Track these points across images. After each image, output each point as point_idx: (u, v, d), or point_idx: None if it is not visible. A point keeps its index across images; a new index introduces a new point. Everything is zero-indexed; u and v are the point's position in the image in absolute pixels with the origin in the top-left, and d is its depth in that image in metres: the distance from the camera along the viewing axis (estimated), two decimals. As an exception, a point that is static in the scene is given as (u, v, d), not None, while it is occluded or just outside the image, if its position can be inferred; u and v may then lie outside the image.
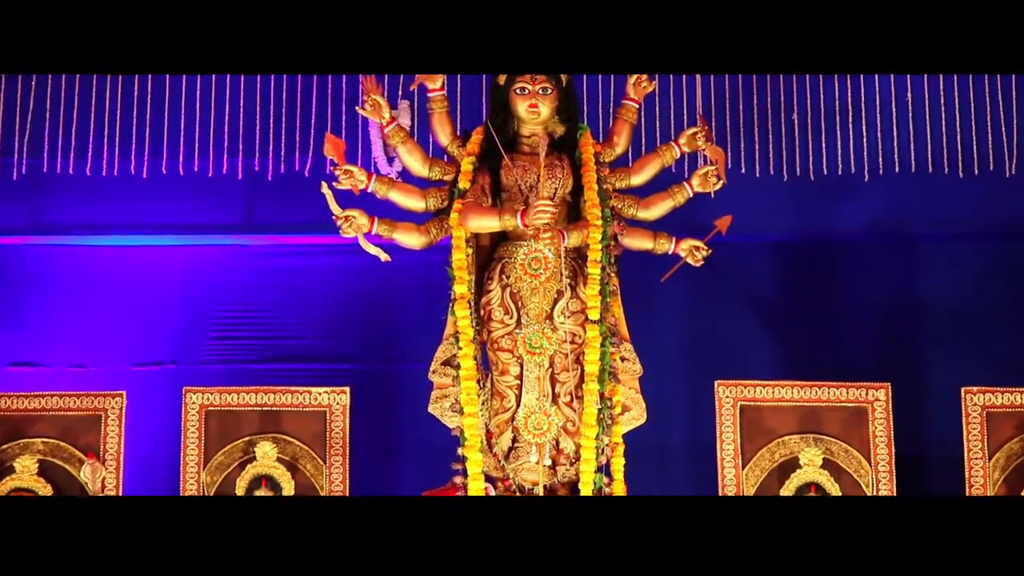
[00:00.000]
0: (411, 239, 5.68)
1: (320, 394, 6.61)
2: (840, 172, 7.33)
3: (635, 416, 5.72)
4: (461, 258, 5.55)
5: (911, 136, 7.32)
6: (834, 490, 6.37)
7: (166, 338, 7.49)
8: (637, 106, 5.87)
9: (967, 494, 6.34)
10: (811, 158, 7.33)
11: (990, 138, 7.28)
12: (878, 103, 7.35)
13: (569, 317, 5.60)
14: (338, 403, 6.59)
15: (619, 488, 5.58)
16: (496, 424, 5.62)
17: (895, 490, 6.39)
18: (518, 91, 5.67)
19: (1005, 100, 7.29)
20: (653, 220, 5.81)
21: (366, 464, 6.78)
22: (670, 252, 5.78)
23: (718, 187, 5.79)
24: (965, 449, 6.46)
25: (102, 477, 6.44)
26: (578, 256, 5.64)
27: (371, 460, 6.99)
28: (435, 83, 5.72)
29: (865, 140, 7.34)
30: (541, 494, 5.52)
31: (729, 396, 6.52)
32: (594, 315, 5.50)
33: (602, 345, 5.51)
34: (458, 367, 5.54)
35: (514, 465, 5.60)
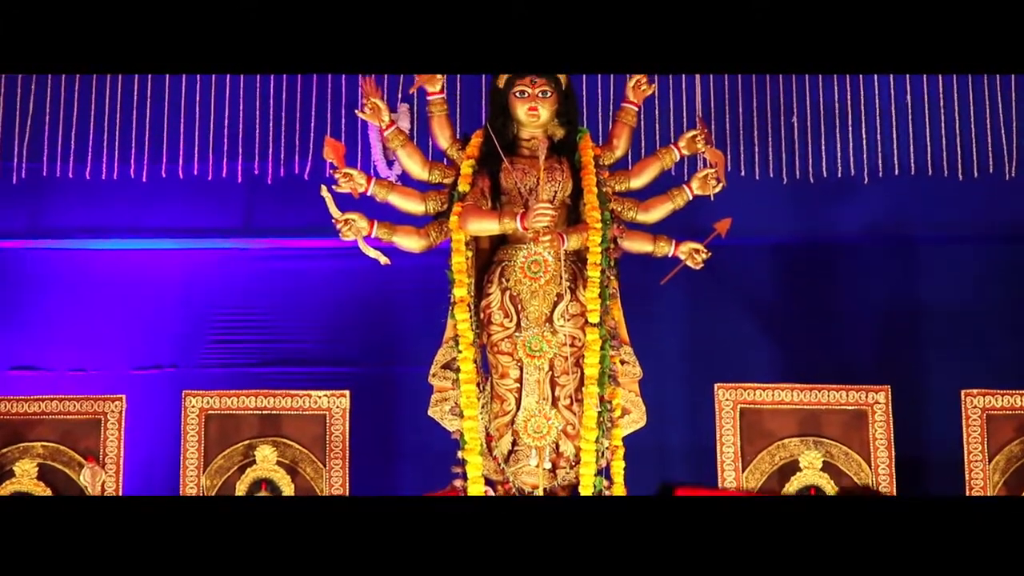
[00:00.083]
0: (411, 242, 5.67)
1: (320, 397, 6.60)
2: (840, 175, 7.32)
3: (635, 419, 5.71)
4: (461, 261, 5.54)
5: (911, 138, 7.31)
6: (834, 493, 6.36)
7: (166, 342, 7.48)
8: (636, 109, 5.86)
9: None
10: (811, 161, 7.32)
11: (990, 140, 7.27)
12: (878, 105, 7.34)
13: (569, 320, 5.59)
14: (338, 406, 6.59)
15: (619, 491, 5.57)
16: (496, 427, 5.61)
17: (895, 493, 6.39)
18: (517, 94, 5.66)
19: (1005, 102, 7.28)
20: (653, 223, 5.80)
21: (366, 467, 6.78)
22: (670, 255, 5.78)
23: (718, 190, 5.78)
24: (965, 451, 6.46)
25: (102, 481, 6.44)
26: (578, 259, 5.63)
27: (371, 463, 6.99)
28: (434, 86, 5.71)
29: (865, 143, 7.34)
30: (541, 497, 5.52)
31: (729, 399, 6.51)
32: (594, 318, 5.49)
33: (602, 348, 5.50)
34: (458, 370, 5.52)
35: (514, 468, 5.59)
